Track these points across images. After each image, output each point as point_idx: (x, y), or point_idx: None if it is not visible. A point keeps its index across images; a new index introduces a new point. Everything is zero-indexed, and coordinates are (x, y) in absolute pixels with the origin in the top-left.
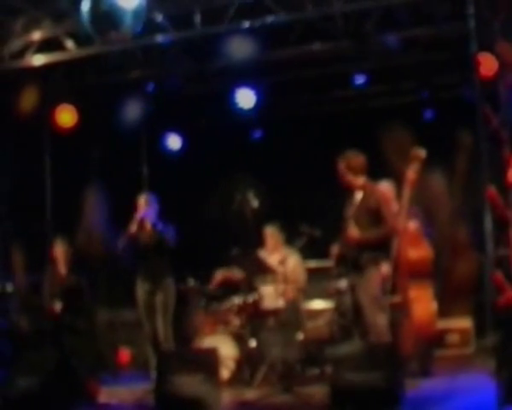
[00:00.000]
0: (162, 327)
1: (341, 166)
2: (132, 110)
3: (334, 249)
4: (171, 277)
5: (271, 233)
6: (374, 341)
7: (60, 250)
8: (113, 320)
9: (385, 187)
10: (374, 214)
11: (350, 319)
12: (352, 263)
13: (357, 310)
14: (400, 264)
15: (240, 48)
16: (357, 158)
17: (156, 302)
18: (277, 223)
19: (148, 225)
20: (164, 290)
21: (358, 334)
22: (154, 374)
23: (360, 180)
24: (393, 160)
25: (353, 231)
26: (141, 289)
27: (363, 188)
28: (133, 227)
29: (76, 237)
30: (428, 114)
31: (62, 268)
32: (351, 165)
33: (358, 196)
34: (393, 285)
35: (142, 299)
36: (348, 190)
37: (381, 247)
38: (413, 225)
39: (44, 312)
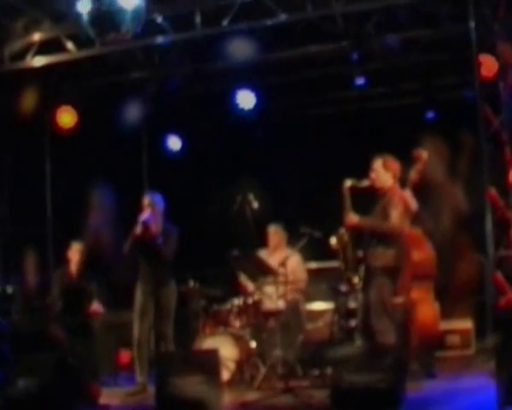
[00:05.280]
0: (163, 330)
1: (377, 163)
2: (133, 111)
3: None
4: (173, 280)
5: (274, 232)
6: (374, 342)
7: (74, 253)
8: (113, 321)
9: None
10: (385, 214)
11: (359, 318)
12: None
13: (365, 310)
14: (404, 265)
15: (240, 49)
16: (394, 161)
17: (159, 305)
18: (279, 223)
19: (153, 229)
20: (166, 295)
21: (362, 334)
22: (139, 377)
23: (389, 183)
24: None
25: (352, 217)
26: (140, 291)
27: (388, 191)
28: (137, 229)
29: (83, 239)
30: (429, 115)
31: (74, 270)
32: (387, 164)
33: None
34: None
35: (140, 302)
36: (374, 192)
37: (386, 243)
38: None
39: (47, 313)
